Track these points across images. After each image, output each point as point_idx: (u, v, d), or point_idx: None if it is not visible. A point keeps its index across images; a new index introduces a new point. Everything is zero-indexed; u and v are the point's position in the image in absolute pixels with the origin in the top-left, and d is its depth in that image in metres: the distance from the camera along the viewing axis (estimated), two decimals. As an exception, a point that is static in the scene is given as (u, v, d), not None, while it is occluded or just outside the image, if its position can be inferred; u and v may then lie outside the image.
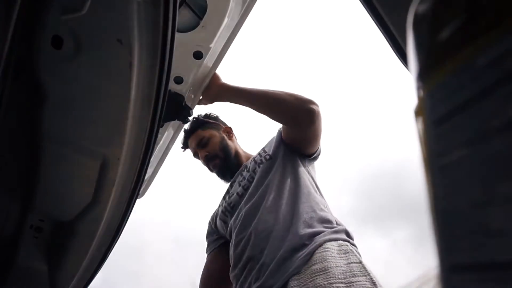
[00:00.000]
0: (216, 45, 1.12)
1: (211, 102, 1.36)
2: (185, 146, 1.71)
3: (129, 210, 0.81)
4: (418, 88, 0.22)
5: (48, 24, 0.53)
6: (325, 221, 1.20)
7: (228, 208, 1.44)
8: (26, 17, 0.48)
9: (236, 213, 1.37)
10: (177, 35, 0.85)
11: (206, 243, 1.59)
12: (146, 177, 1.58)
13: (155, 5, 0.56)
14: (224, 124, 1.76)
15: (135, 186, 0.77)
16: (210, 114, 1.78)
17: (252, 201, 1.31)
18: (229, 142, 1.66)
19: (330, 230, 1.16)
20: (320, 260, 1.05)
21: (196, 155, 1.68)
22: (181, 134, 1.75)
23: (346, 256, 1.06)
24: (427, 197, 0.21)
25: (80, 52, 0.57)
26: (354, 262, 1.04)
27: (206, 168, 1.68)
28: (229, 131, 1.71)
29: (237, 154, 1.64)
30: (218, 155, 1.59)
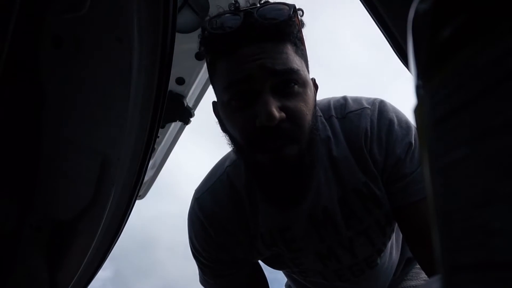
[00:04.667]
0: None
1: None
2: (229, 49, 0.70)
3: (129, 210, 0.81)
4: (418, 88, 0.22)
5: (48, 24, 0.53)
6: None
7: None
8: (26, 16, 0.48)
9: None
10: (179, 35, 0.85)
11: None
12: (147, 178, 1.59)
13: (155, 4, 0.56)
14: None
15: (135, 186, 0.77)
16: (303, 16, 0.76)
17: None
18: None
19: None
20: None
21: (237, 96, 0.72)
22: (184, 134, 1.43)
23: None
24: (428, 197, 0.21)
25: (80, 51, 0.57)
26: None
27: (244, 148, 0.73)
28: (316, 89, 0.80)
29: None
30: (301, 139, 0.69)
